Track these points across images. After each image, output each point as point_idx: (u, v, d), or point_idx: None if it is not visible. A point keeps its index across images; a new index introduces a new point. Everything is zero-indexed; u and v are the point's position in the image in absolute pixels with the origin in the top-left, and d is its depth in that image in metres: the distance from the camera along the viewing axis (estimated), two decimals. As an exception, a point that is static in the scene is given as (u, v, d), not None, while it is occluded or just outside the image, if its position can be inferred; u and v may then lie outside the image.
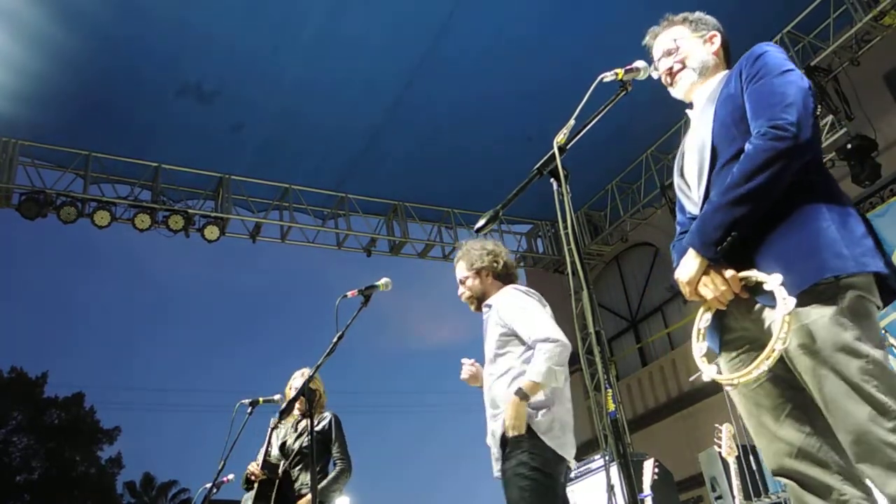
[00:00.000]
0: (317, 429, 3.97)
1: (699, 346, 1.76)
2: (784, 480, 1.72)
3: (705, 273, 1.70)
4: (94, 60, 6.62)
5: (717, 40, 2.00)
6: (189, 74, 6.99)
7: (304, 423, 4.07)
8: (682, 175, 1.94)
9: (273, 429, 4.03)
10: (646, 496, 5.05)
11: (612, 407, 1.66)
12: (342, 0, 6.40)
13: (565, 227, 1.65)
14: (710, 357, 1.78)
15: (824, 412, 1.58)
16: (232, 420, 3.96)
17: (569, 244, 1.78)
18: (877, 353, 1.54)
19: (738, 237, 1.64)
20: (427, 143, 8.27)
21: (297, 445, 4.03)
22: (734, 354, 1.79)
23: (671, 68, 1.99)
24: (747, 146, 1.65)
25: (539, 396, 2.68)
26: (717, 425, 4.93)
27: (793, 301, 1.52)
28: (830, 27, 7.12)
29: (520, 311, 2.85)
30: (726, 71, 1.96)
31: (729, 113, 1.77)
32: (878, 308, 1.63)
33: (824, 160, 1.83)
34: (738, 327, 1.77)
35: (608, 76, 1.92)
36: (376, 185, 8.95)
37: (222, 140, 7.87)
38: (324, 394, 4.16)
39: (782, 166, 1.60)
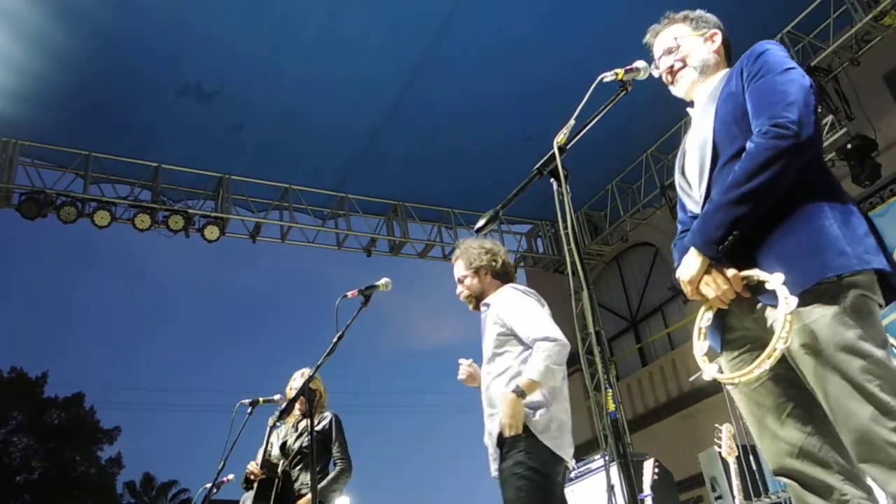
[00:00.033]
0: (317, 428, 3.97)
1: (700, 346, 1.76)
2: (785, 480, 1.72)
3: (707, 272, 1.69)
4: (94, 60, 6.62)
5: (718, 38, 2.00)
6: (189, 74, 6.99)
7: (304, 422, 4.06)
8: (683, 173, 1.94)
9: (271, 428, 4.03)
10: (646, 496, 5.05)
11: (612, 407, 1.65)
12: (342, 0, 6.40)
13: (565, 227, 1.65)
14: (712, 356, 1.78)
15: (827, 412, 1.58)
16: (232, 420, 3.96)
17: (569, 244, 1.78)
18: (879, 353, 1.53)
19: (739, 236, 1.63)
20: (427, 143, 8.27)
21: (297, 445, 4.03)
22: (735, 354, 1.79)
23: (672, 67, 1.99)
24: (749, 145, 1.65)
25: (537, 396, 2.67)
26: (717, 425, 4.93)
27: (794, 300, 1.52)
28: (830, 27, 7.12)
29: (518, 310, 2.84)
30: (727, 69, 1.95)
31: (730, 111, 1.77)
32: (881, 306, 1.62)
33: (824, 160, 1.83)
34: (739, 326, 1.76)
35: (608, 76, 1.91)
36: (376, 185, 8.95)
37: (222, 140, 7.87)
38: (324, 393, 4.16)
39: (784, 165, 1.59)
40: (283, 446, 4.09)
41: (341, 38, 6.76)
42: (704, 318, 1.77)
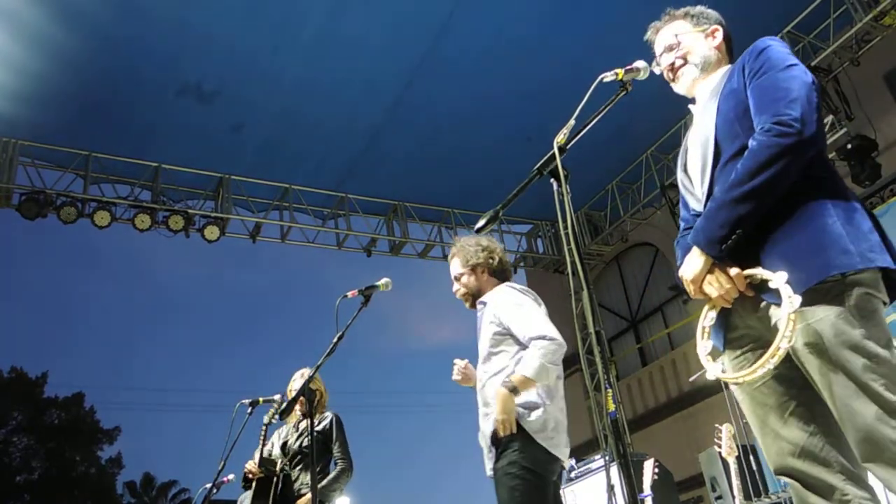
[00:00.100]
0: (317, 428, 3.97)
1: (704, 345, 1.75)
2: (786, 480, 1.71)
3: (710, 271, 1.69)
4: (94, 60, 6.62)
5: (720, 34, 1.99)
6: (189, 74, 6.99)
7: (305, 422, 4.06)
8: (685, 171, 1.93)
9: (267, 425, 4.02)
10: (646, 496, 5.05)
11: (612, 407, 1.65)
12: (342, 0, 6.40)
13: (565, 227, 1.65)
14: (715, 355, 1.77)
15: (833, 411, 1.57)
16: (232, 420, 3.97)
17: (569, 244, 1.77)
18: (884, 352, 1.52)
19: (742, 235, 1.62)
20: (427, 143, 8.27)
21: (297, 445, 4.03)
22: (738, 352, 1.78)
23: (673, 64, 1.98)
24: (751, 142, 1.64)
25: (532, 396, 2.65)
26: (717, 425, 4.93)
27: (798, 299, 1.51)
28: (830, 27, 7.12)
29: (516, 308, 2.82)
30: (729, 65, 1.94)
31: (732, 108, 1.76)
32: (885, 304, 1.62)
33: (825, 158, 1.83)
34: (742, 325, 1.76)
35: (608, 76, 1.91)
36: (376, 185, 8.95)
37: (222, 140, 7.87)
38: (325, 393, 4.16)
39: (787, 163, 1.58)
40: (284, 446, 4.09)
41: (341, 38, 6.76)
42: (708, 318, 1.76)
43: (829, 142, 7.05)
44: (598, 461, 6.73)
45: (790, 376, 1.68)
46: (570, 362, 11.18)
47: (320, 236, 9.05)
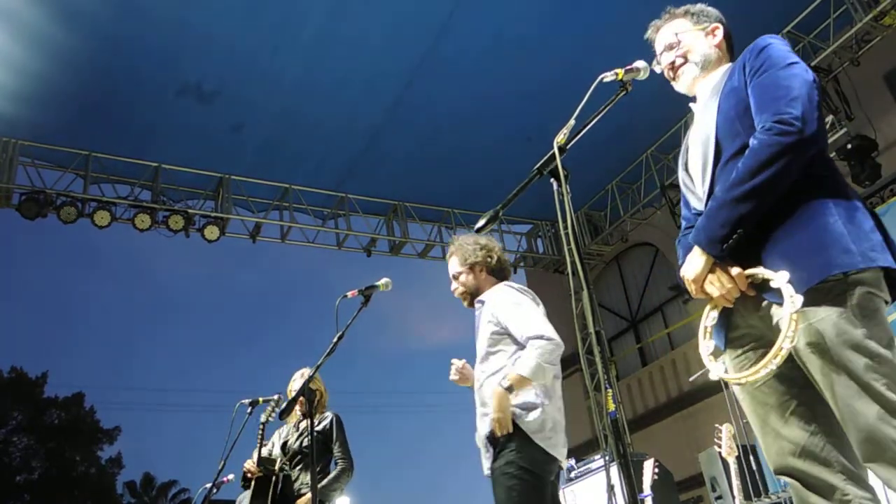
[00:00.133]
0: (317, 428, 3.97)
1: (706, 345, 1.75)
2: (787, 479, 1.71)
3: (711, 271, 1.69)
4: (94, 60, 6.62)
5: (720, 32, 1.99)
6: (189, 74, 6.99)
7: (305, 422, 4.06)
8: (686, 170, 1.93)
9: (264, 424, 4.02)
10: (646, 496, 5.05)
11: (612, 407, 1.65)
12: (342, 0, 6.40)
13: (565, 227, 1.65)
14: (716, 354, 1.77)
15: (834, 411, 1.57)
16: (232, 420, 3.97)
17: (569, 244, 1.77)
18: (886, 351, 1.52)
19: (743, 234, 1.62)
20: (427, 143, 8.27)
21: (298, 445, 4.03)
22: (739, 351, 1.78)
23: (673, 62, 1.98)
24: (752, 141, 1.64)
25: (530, 397, 2.65)
26: (717, 425, 4.93)
27: (800, 299, 1.51)
28: (830, 27, 7.12)
29: (514, 307, 2.81)
30: (730, 63, 1.94)
31: (732, 107, 1.76)
32: (887, 303, 1.61)
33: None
34: (744, 324, 1.75)
35: (608, 76, 1.91)
36: (376, 185, 8.95)
37: (222, 140, 7.87)
38: (325, 393, 4.16)
39: (788, 161, 1.58)
40: (285, 446, 4.09)
41: (341, 38, 6.76)
42: (710, 317, 1.76)
43: (829, 142, 7.05)
44: (598, 461, 6.72)
45: (791, 376, 1.67)
46: (570, 362, 11.19)
47: (320, 236, 9.05)
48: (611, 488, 5.05)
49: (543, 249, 10.52)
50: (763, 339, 1.71)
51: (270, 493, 3.79)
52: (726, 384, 5.39)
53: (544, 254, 10.46)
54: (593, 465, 6.71)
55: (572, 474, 6.86)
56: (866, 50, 7.04)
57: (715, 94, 1.86)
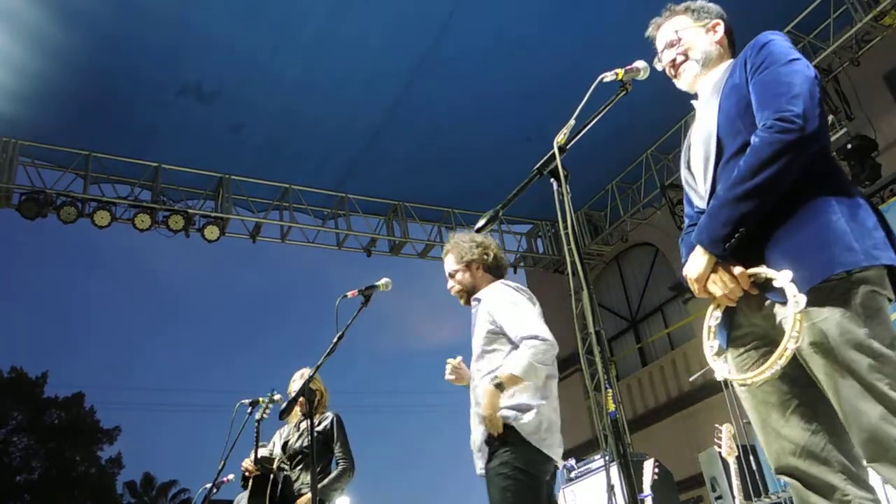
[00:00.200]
0: (318, 428, 3.97)
1: (710, 344, 1.75)
2: (787, 479, 1.71)
3: (714, 270, 1.68)
4: (94, 60, 6.62)
5: (720, 29, 1.98)
6: (189, 74, 6.99)
7: (306, 423, 4.06)
8: (688, 168, 1.92)
9: (259, 421, 4.01)
10: (646, 496, 5.05)
11: (612, 407, 1.65)
12: (342, 0, 6.40)
13: (565, 227, 1.65)
14: (719, 353, 1.77)
15: (838, 411, 1.57)
16: (232, 420, 3.97)
17: (569, 244, 1.77)
18: (889, 351, 1.51)
19: (745, 233, 1.61)
20: (427, 143, 8.27)
21: (298, 445, 4.03)
22: (741, 350, 1.77)
23: (674, 60, 1.97)
24: (753, 139, 1.63)
25: (524, 398, 2.64)
26: (717, 425, 4.93)
27: (803, 299, 1.50)
28: (830, 27, 7.12)
29: (510, 306, 2.79)
30: (731, 60, 1.93)
31: (734, 104, 1.75)
32: (890, 301, 1.60)
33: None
34: (747, 323, 1.75)
35: (608, 76, 1.91)
36: (376, 185, 8.95)
37: (222, 140, 7.87)
38: (325, 393, 4.15)
39: (789, 159, 1.57)
40: (285, 446, 4.09)
41: (341, 38, 6.76)
42: (713, 317, 1.75)
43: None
44: (598, 461, 6.72)
45: (793, 375, 1.67)
46: (570, 362, 11.20)
47: (320, 236, 9.06)
48: (611, 488, 5.05)
49: (543, 249, 10.52)
50: (766, 338, 1.71)
51: (268, 493, 3.78)
52: (727, 384, 5.39)
53: (544, 254, 10.46)
54: (593, 465, 6.71)
55: (572, 474, 6.86)
56: (866, 50, 7.04)
57: (716, 91, 1.85)
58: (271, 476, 3.86)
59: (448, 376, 2.99)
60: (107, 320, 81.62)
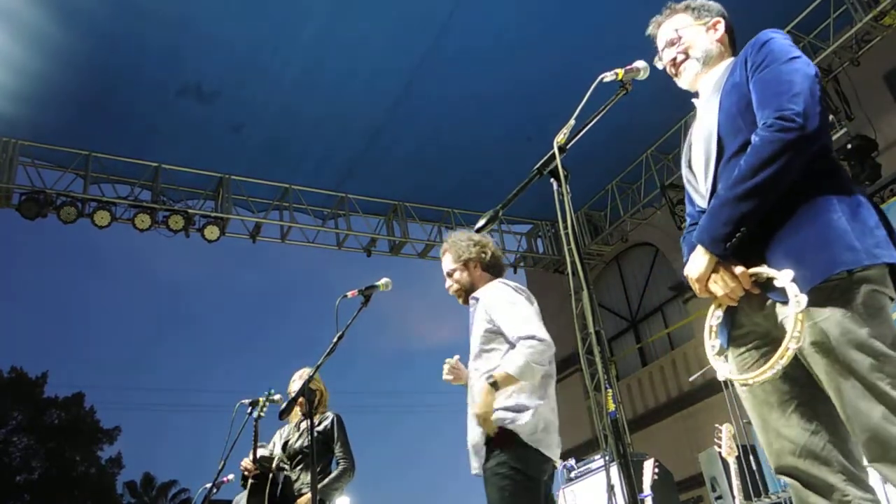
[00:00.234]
0: (318, 428, 3.97)
1: (712, 344, 1.75)
2: (786, 479, 1.70)
3: (715, 270, 1.68)
4: (94, 60, 6.62)
5: (721, 27, 1.97)
6: (189, 74, 6.99)
7: (306, 422, 4.06)
8: (689, 167, 1.92)
9: (257, 420, 4.01)
10: (646, 496, 5.05)
11: (612, 407, 1.65)
12: (342, 0, 6.40)
13: (565, 227, 1.64)
14: (720, 352, 1.77)
15: (839, 411, 1.56)
16: (232, 420, 3.96)
17: (569, 244, 1.77)
18: (891, 350, 1.51)
19: (746, 233, 1.61)
20: (427, 143, 8.27)
21: (299, 445, 4.03)
22: (742, 349, 1.77)
23: (675, 59, 1.97)
24: (754, 138, 1.62)
25: (522, 399, 2.63)
26: (717, 425, 4.93)
27: (805, 299, 1.50)
28: (830, 27, 7.12)
29: (508, 306, 2.77)
30: (732, 58, 1.93)
31: (734, 103, 1.74)
32: (892, 299, 1.60)
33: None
34: (748, 323, 1.74)
35: (608, 76, 1.90)
36: (376, 185, 8.95)
37: (222, 140, 7.87)
38: (325, 393, 4.15)
39: (790, 158, 1.56)
40: (286, 446, 4.09)
41: (341, 38, 6.76)
42: (714, 316, 1.75)
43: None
44: (598, 461, 6.72)
45: (794, 374, 1.66)
46: (570, 362, 11.20)
47: (320, 236, 9.06)
48: (611, 488, 5.05)
49: (543, 249, 10.52)
50: (767, 337, 1.70)
51: (268, 492, 3.78)
52: (727, 384, 5.39)
53: (544, 254, 10.46)
54: (593, 465, 6.71)
55: (572, 474, 6.85)
56: (866, 50, 7.04)
57: (717, 89, 1.85)
58: (270, 475, 3.86)
59: (446, 376, 2.98)
60: (107, 320, 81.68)
